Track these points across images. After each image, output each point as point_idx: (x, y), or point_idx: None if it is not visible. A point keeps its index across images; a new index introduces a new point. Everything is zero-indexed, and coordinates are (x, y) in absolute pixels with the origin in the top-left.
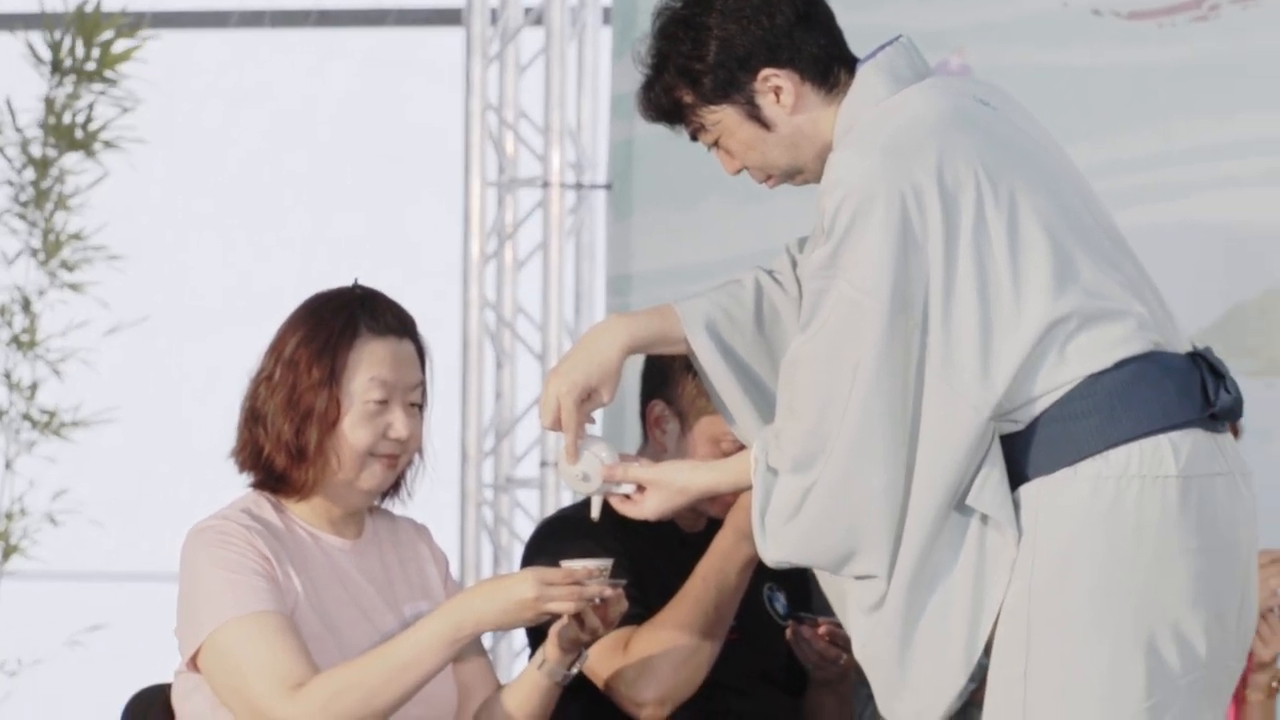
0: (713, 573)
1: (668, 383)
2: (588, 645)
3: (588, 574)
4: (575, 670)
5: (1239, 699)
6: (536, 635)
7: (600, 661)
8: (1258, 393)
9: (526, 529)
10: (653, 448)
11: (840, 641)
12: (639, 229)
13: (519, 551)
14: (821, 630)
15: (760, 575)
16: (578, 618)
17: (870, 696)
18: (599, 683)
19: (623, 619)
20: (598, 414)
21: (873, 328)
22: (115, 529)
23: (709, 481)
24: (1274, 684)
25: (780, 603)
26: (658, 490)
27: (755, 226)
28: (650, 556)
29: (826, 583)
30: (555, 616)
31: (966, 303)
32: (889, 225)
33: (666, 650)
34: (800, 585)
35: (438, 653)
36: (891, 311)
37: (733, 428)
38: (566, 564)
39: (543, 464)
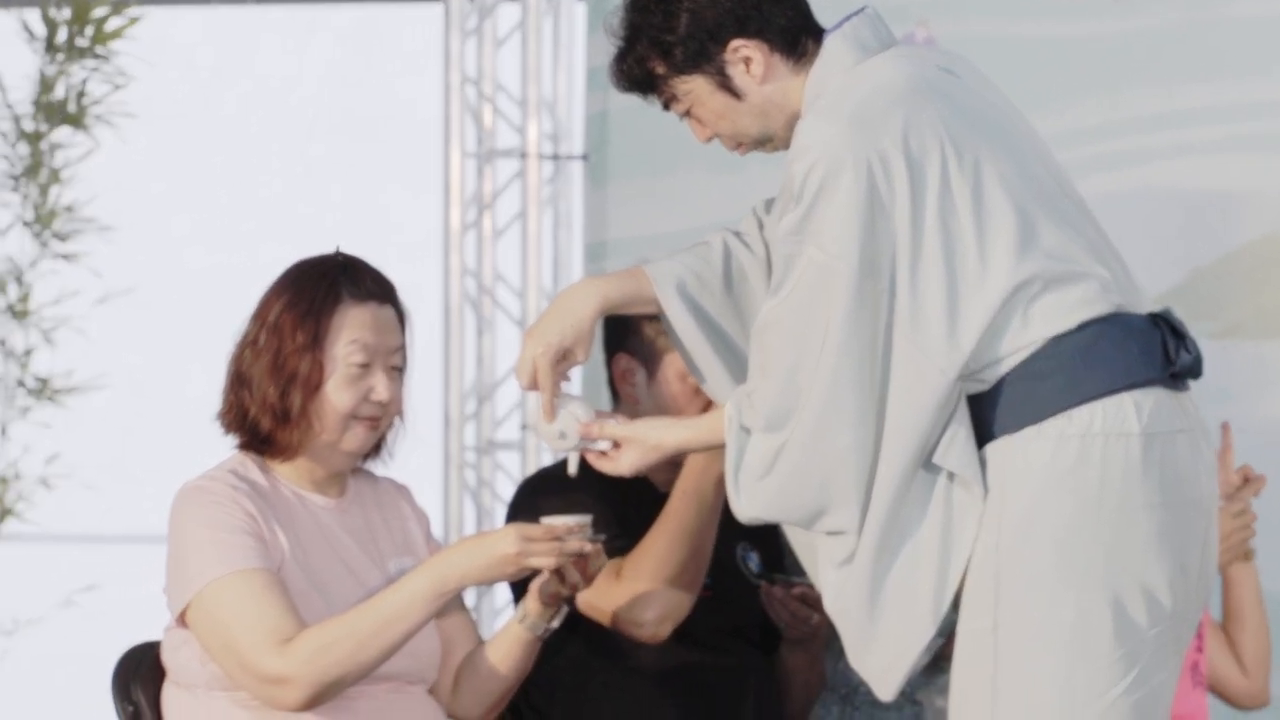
0: (691, 490)
1: (627, 333)
2: (568, 599)
3: (568, 530)
4: (556, 624)
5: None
6: (519, 590)
7: (596, 594)
8: (1218, 354)
9: (508, 491)
10: (626, 404)
11: (811, 602)
12: (615, 198)
13: (501, 513)
14: (795, 591)
15: (734, 535)
16: (558, 572)
17: (840, 653)
18: (599, 616)
19: (609, 552)
20: (576, 376)
21: (842, 291)
22: (107, 492)
23: (682, 439)
24: None
25: (754, 562)
26: (632, 446)
27: (728, 195)
28: (627, 510)
29: (798, 539)
30: (536, 571)
31: (933, 267)
32: (856, 191)
33: (658, 567)
34: (773, 546)
35: (422, 607)
36: (860, 275)
37: (704, 386)
38: (547, 520)
39: (523, 427)
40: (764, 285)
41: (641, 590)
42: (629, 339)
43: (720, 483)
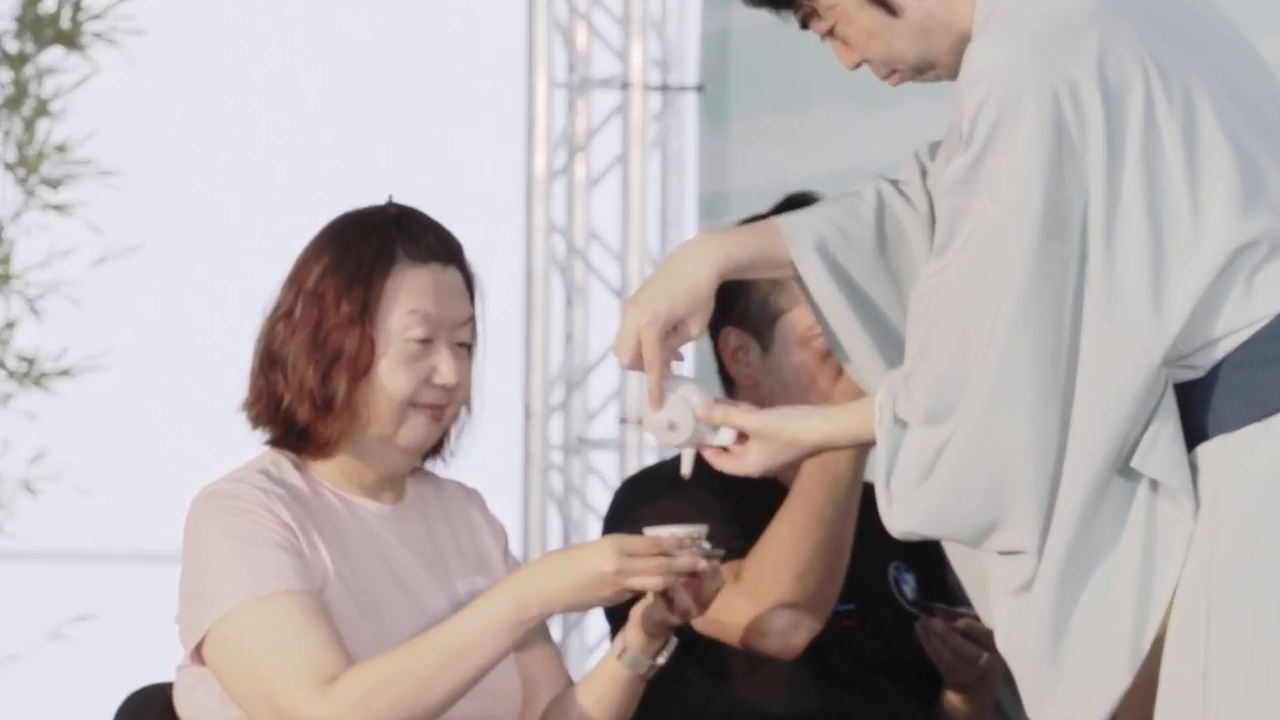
0: (818, 465)
1: (733, 300)
2: (677, 629)
3: (677, 543)
4: (663, 659)
5: None
6: (617, 619)
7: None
8: None
9: (601, 499)
10: (742, 390)
11: (980, 638)
12: (737, 139)
13: (594, 525)
14: (959, 623)
15: (885, 552)
16: (666, 596)
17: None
18: (717, 631)
19: (729, 554)
20: (689, 357)
21: (1020, 254)
22: (106, 499)
23: (824, 433)
24: None
25: (909, 586)
26: (763, 442)
27: (878, 135)
28: (751, 519)
29: (963, 560)
30: (639, 594)
31: (1134, 224)
32: (1040, 130)
33: (784, 561)
34: (934, 567)
35: (499, 638)
36: (1043, 235)
37: (848, 368)
38: (651, 531)
39: (622, 421)
40: (926, 246)
41: (766, 591)
42: (736, 307)
43: (856, 457)
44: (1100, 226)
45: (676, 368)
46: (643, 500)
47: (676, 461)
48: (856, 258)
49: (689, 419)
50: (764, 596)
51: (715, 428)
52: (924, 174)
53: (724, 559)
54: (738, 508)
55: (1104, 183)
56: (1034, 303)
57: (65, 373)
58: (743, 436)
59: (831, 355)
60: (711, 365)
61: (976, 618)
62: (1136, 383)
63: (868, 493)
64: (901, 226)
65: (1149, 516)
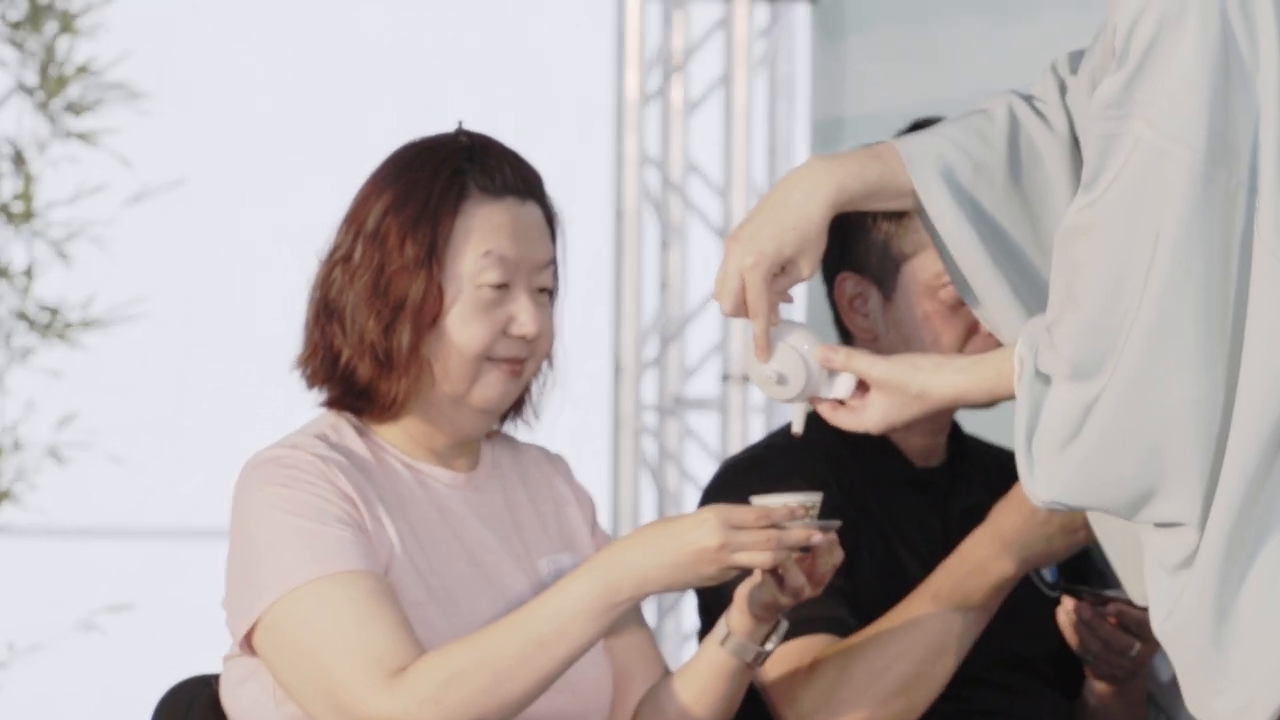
0: (949, 589)
1: (850, 243)
2: (788, 611)
3: (789, 513)
4: (772, 646)
5: None
6: (715, 602)
7: (773, 667)
8: None
9: (700, 467)
10: (860, 344)
11: (1133, 625)
12: (855, 57)
13: (692, 496)
14: (1109, 608)
15: None
16: (775, 573)
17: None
18: (765, 694)
19: (815, 620)
20: (799, 300)
21: (1182, 184)
22: (142, 469)
23: (957, 386)
24: None
25: (1049, 568)
26: (886, 393)
27: (1013, 52)
28: (865, 501)
29: (1114, 534)
30: (746, 572)
31: None
32: (1205, 45)
33: (866, 685)
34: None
35: (587, 624)
36: (1208, 163)
37: (978, 312)
38: (759, 500)
39: (724, 378)
40: (1066, 173)
41: (833, 706)
42: (853, 250)
43: (999, 590)
44: (1273, 155)
45: (786, 311)
46: (753, 474)
47: (783, 438)
48: (986, 186)
49: (800, 370)
50: (828, 712)
51: (832, 376)
52: (1063, 90)
53: (810, 628)
54: (846, 489)
55: (1277, 105)
56: (1197, 241)
57: (93, 323)
58: (862, 388)
59: (963, 307)
60: (825, 316)
61: (1129, 602)
62: None
63: (999, 458)
64: (1038, 150)
65: None
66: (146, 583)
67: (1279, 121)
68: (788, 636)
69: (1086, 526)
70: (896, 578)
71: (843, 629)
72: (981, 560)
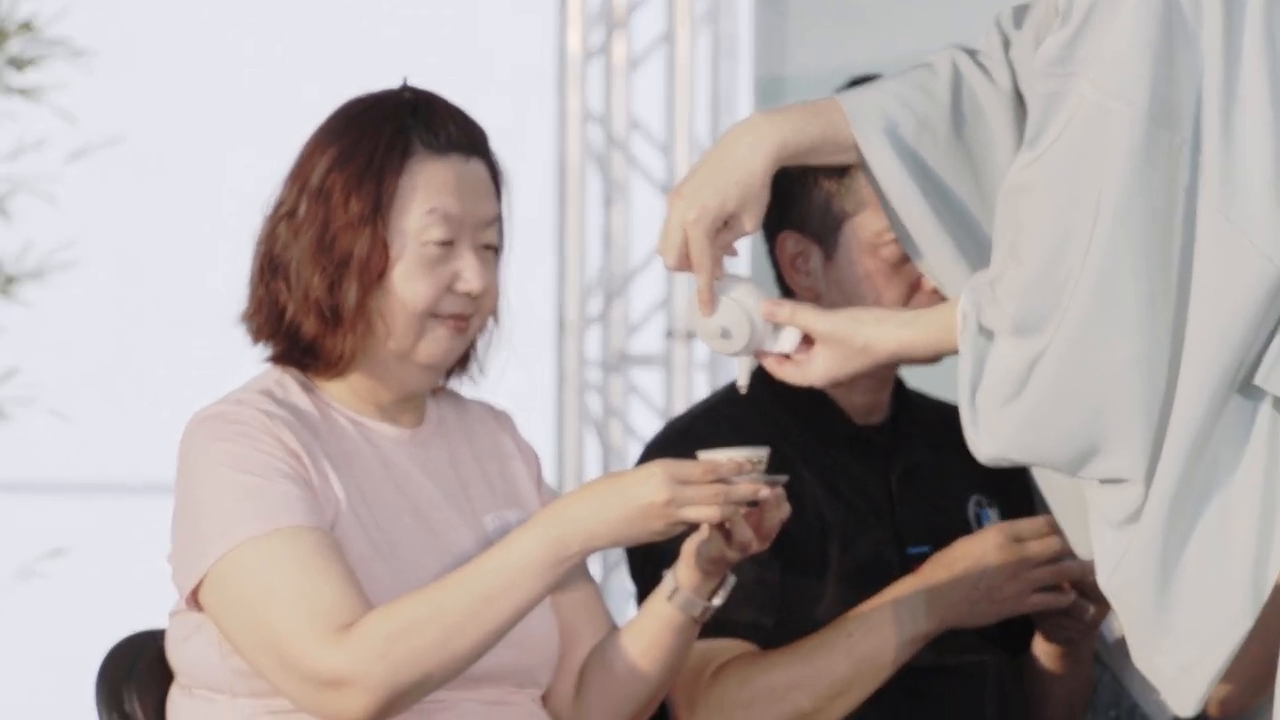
0: (862, 634)
1: (791, 202)
2: (735, 565)
3: (736, 468)
4: (718, 600)
5: None
6: (657, 560)
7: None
8: None
9: (645, 423)
10: (803, 301)
11: (1088, 589)
12: (797, 13)
13: (635, 451)
14: (1069, 573)
15: (966, 484)
16: (723, 528)
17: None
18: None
19: (728, 624)
20: (743, 254)
21: (1125, 143)
22: (85, 424)
23: (901, 339)
24: None
25: (993, 524)
26: (831, 347)
27: (955, 11)
28: (804, 461)
29: (1058, 490)
30: (692, 527)
31: (1255, 110)
32: (1148, 4)
33: (764, 705)
34: (1020, 500)
35: (535, 579)
36: (1150, 121)
37: (921, 266)
38: (706, 455)
39: (668, 334)
40: (1009, 128)
41: (729, 715)
42: (795, 209)
43: (912, 644)
44: (1216, 114)
45: (730, 266)
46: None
47: (724, 409)
48: (930, 141)
49: (745, 324)
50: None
51: (777, 330)
52: (1007, 44)
53: (717, 633)
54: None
55: (1221, 64)
56: (1140, 199)
57: (35, 277)
58: (807, 342)
59: (905, 265)
60: (767, 274)
61: (1076, 559)
62: (1257, 289)
63: (943, 413)
64: (980, 105)
65: (1272, 439)
66: (89, 538)
67: (1222, 80)
68: (702, 636)
69: (1014, 598)
70: (829, 543)
71: (757, 635)
72: (900, 613)
